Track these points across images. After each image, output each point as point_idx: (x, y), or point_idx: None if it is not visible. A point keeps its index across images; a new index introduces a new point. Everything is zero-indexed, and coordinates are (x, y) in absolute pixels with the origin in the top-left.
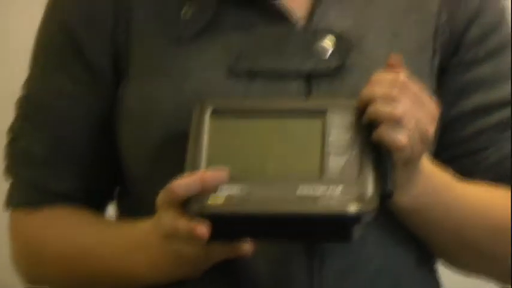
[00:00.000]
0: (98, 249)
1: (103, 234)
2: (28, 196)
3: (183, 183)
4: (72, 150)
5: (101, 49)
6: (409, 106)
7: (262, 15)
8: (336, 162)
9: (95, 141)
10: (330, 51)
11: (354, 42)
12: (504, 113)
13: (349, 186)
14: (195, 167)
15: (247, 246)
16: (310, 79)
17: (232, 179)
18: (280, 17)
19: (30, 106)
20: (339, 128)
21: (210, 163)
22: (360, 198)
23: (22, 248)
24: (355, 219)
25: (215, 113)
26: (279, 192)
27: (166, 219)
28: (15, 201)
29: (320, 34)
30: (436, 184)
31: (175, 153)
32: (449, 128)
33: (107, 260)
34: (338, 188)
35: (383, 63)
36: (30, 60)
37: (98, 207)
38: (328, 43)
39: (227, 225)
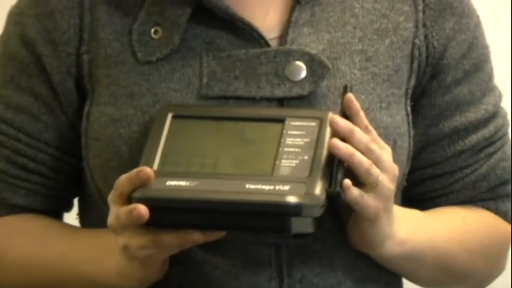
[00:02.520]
0: (70, 257)
1: (74, 241)
2: None
3: (124, 178)
4: (28, 165)
5: (63, 67)
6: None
7: (232, 37)
8: (288, 164)
9: (53, 157)
10: (303, 74)
11: (327, 61)
12: (481, 133)
13: (297, 185)
14: (147, 164)
15: (197, 235)
16: (282, 103)
17: (183, 175)
18: (251, 38)
19: None
20: (296, 133)
21: (164, 161)
22: (304, 194)
23: None
24: (293, 210)
25: (176, 116)
26: (225, 187)
27: (111, 212)
28: None
29: (293, 55)
30: (415, 225)
31: None
32: (428, 149)
33: (79, 267)
34: (285, 187)
35: (357, 87)
36: None
37: (56, 217)
38: (301, 65)
39: (168, 212)
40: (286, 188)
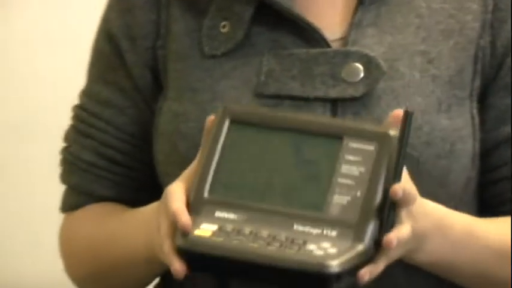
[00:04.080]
0: (118, 232)
1: (124, 216)
2: (75, 201)
3: (178, 214)
4: (116, 157)
5: (142, 61)
6: None
7: (296, 36)
8: (340, 200)
9: (138, 149)
10: (359, 76)
11: (386, 67)
12: None
13: (344, 232)
14: (200, 186)
15: None
16: (336, 104)
17: (232, 206)
18: (313, 38)
19: (81, 114)
20: (352, 160)
21: (215, 183)
22: (348, 250)
23: (62, 247)
24: (335, 276)
25: (234, 121)
26: (270, 231)
27: (161, 228)
28: (66, 206)
29: (351, 57)
30: (454, 235)
31: None
32: (491, 153)
33: (122, 241)
34: (333, 232)
35: (414, 89)
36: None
37: None
38: (358, 67)
39: (205, 262)
40: (334, 234)
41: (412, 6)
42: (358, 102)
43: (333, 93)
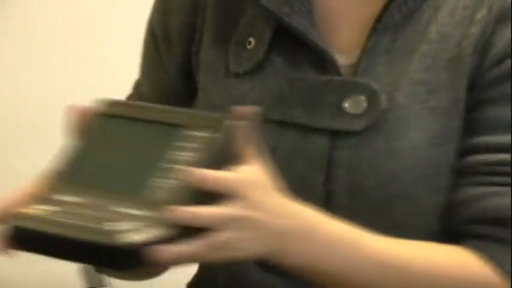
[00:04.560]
0: None
1: None
2: None
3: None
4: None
5: (178, 65)
6: None
7: (310, 60)
8: (159, 182)
9: None
10: (362, 109)
11: (388, 100)
12: (494, 157)
13: (153, 212)
14: (59, 166)
15: None
16: (336, 135)
17: (70, 190)
18: (327, 64)
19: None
20: (183, 145)
21: (72, 164)
22: (149, 228)
23: None
24: (125, 250)
25: (100, 114)
26: (88, 211)
27: None
28: None
29: (357, 88)
30: (325, 242)
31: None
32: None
33: None
34: (140, 212)
35: (413, 122)
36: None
37: None
38: (361, 99)
39: (27, 239)
40: (141, 213)
41: (426, 31)
42: (356, 136)
43: (336, 125)
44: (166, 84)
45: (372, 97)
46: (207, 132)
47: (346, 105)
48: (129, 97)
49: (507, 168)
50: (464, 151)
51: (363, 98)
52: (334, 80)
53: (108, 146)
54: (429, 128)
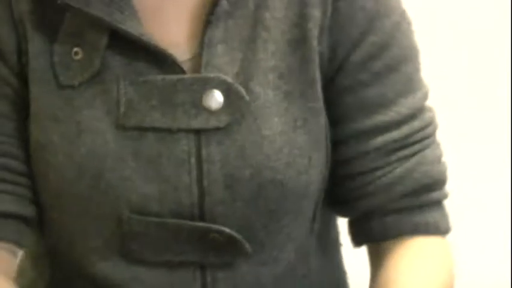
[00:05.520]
0: None
1: None
2: None
3: None
4: (12, 166)
5: (15, 73)
6: None
7: (149, 60)
8: None
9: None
10: (220, 104)
11: (243, 91)
12: (389, 136)
13: None
14: None
15: None
16: (199, 134)
17: None
18: (167, 62)
19: None
20: None
21: None
22: None
23: None
24: None
25: None
26: None
27: None
28: None
29: (210, 83)
30: None
31: (73, 203)
32: (340, 147)
33: None
34: None
35: (270, 109)
36: None
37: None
38: (218, 94)
39: None
40: None
41: (257, 17)
42: (221, 131)
43: (196, 124)
44: (10, 91)
45: (228, 90)
46: None
47: (203, 102)
48: None
49: (416, 137)
50: (365, 135)
51: (218, 92)
52: (183, 79)
53: None
54: (289, 112)
